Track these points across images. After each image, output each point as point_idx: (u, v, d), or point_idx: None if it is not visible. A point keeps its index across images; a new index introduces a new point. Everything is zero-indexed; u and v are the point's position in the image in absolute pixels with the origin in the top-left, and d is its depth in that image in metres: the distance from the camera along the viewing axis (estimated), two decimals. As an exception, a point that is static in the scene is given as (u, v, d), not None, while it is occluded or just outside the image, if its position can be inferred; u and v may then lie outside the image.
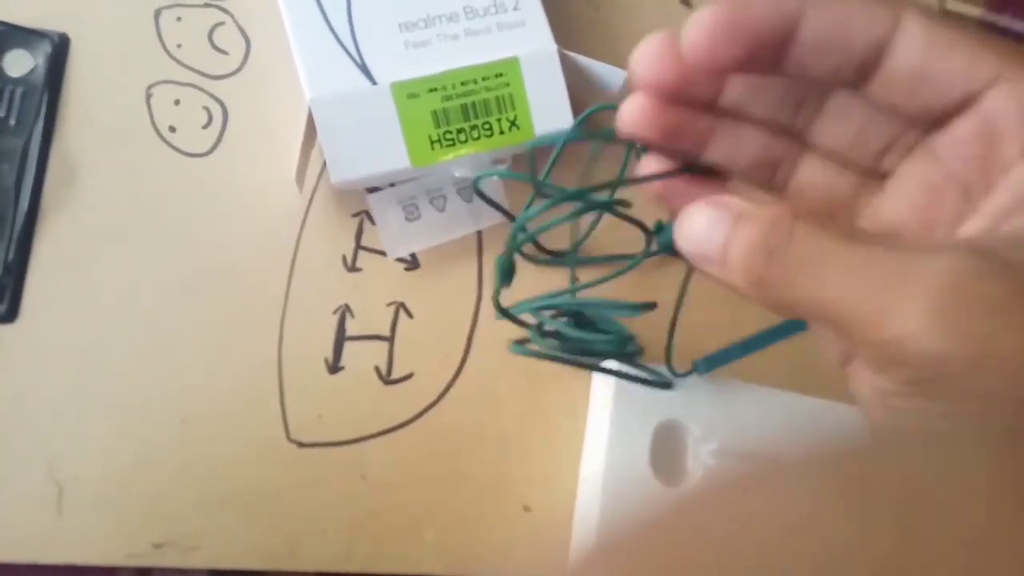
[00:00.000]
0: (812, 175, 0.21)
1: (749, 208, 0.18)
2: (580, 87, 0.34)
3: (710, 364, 0.32)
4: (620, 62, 0.34)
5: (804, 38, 0.18)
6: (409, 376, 0.33)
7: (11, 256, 0.30)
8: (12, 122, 0.32)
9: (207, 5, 0.34)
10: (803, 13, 0.18)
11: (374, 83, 0.31)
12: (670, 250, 0.20)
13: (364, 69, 0.31)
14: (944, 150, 0.18)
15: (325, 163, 0.33)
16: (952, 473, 0.13)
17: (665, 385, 0.29)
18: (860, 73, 0.18)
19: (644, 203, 0.22)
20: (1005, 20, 0.41)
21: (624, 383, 0.29)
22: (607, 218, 0.33)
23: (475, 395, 0.33)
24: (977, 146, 0.18)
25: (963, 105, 0.18)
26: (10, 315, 0.30)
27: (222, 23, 0.34)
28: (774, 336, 0.31)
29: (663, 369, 0.31)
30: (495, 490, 0.32)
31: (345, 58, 0.31)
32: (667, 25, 0.38)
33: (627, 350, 0.23)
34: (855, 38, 0.18)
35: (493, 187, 0.34)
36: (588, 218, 0.33)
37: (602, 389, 0.32)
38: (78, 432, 0.29)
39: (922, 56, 0.17)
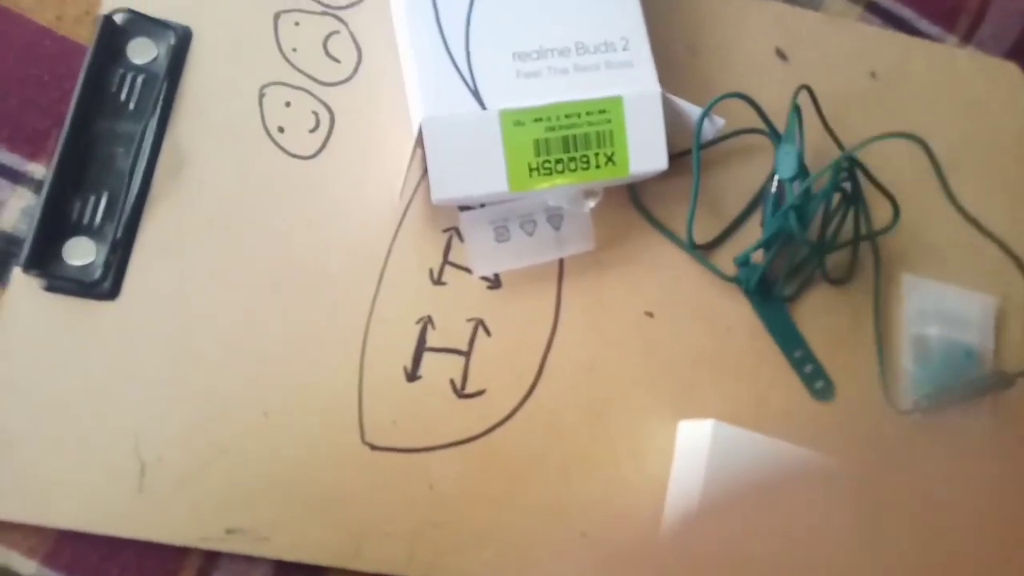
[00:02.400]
0: None
1: None
2: (674, 129, 0.34)
3: (931, 400, 0.36)
4: (714, 107, 0.35)
5: None
6: (482, 392, 0.33)
7: (119, 235, 0.31)
8: (131, 107, 0.33)
9: (324, 13, 0.35)
10: None
11: (484, 108, 0.32)
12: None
13: (476, 94, 0.32)
14: None
15: (422, 178, 0.34)
16: (964, 480, 0.14)
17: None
18: None
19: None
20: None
21: (720, 437, 0.30)
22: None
23: (543, 418, 0.33)
24: None
25: None
26: (113, 292, 0.31)
27: (337, 32, 0.35)
28: (986, 388, 0.36)
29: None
30: (554, 514, 0.33)
31: (459, 81, 0.32)
32: (760, 75, 0.39)
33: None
34: None
35: (580, 220, 0.35)
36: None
37: (691, 436, 0.33)
38: (165, 413, 0.30)
39: None
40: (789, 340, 0.36)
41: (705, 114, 0.34)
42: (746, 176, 0.38)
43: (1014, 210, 0.39)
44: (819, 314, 0.37)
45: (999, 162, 0.40)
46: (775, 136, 0.36)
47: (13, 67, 0.32)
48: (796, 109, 0.35)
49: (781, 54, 0.39)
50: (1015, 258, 0.38)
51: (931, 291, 0.37)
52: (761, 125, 0.36)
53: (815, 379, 0.36)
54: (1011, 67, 0.42)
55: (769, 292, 0.36)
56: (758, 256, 0.36)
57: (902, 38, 0.41)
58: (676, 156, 0.35)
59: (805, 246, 0.35)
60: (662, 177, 0.34)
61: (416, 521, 0.32)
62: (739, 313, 0.36)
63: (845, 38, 0.40)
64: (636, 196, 0.36)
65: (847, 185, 0.35)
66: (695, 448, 0.32)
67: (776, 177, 0.36)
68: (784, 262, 0.36)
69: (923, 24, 0.42)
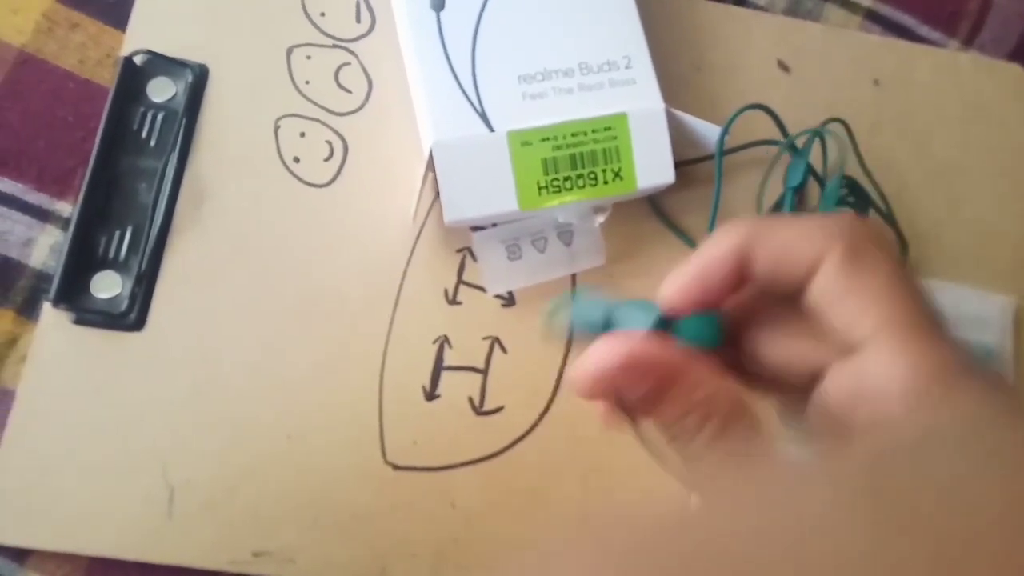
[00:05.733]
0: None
1: None
2: (679, 141, 0.35)
3: None
4: (718, 119, 0.36)
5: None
6: (500, 409, 0.34)
7: (143, 268, 0.32)
8: (152, 144, 0.34)
9: (335, 46, 0.36)
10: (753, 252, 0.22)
11: (492, 130, 0.32)
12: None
13: (483, 117, 0.33)
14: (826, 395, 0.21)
15: (434, 201, 0.35)
16: (976, 480, 0.14)
17: None
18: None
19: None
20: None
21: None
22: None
23: (562, 433, 0.34)
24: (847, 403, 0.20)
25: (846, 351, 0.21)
26: (138, 324, 0.32)
27: (348, 63, 0.36)
28: None
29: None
30: (577, 527, 0.33)
31: (467, 105, 0.33)
32: (764, 87, 0.40)
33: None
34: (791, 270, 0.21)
35: (591, 235, 0.35)
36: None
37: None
38: (192, 439, 0.31)
39: (823, 298, 0.21)
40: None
41: (726, 129, 0.35)
42: (756, 187, 0.38)
43: (1025, 210, 0.39)
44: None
45: (1008, 164, 0.40)
46: (791, 148, 0.37)
47: (40, 111, 0.34)
48: (819, 133, 0.36)
49: (783, 66, 0.40)
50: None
51: (946, 294, 0.37)
52: (772, 137, 0.37)
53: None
54: (1015, 68, 0.43)
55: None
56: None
57: (904, 45, 0.42)
58: (681, 165, 0.35)
59: None
60: (672, 188, 0.34)
61: (440, 539, 0.32)
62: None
63: (846, 47, 0.41)
64: (657, 207, 0.37)
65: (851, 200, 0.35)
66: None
67: (788, 188, 0.37)
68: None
69: (924, 30, 0.43)
